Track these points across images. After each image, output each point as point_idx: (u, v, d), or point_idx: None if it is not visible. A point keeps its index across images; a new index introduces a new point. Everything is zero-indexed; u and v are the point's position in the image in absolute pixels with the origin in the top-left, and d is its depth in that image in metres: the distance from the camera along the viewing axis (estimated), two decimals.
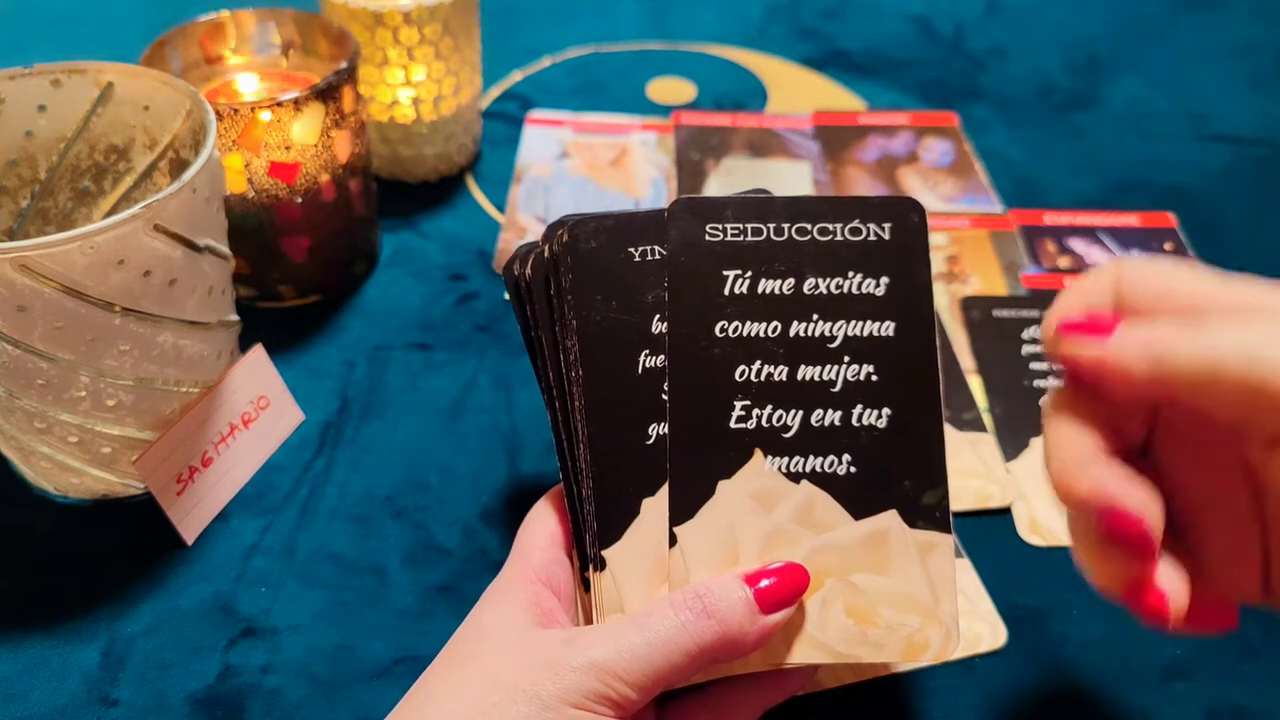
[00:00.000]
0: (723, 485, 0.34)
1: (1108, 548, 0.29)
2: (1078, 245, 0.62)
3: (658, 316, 0.35)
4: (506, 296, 0.57)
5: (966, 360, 0.54)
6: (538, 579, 0.35)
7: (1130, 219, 0.64)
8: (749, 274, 0.35)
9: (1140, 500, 0.28)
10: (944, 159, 0.70)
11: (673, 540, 0.34)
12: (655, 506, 0.34)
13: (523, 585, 0.34)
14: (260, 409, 0.47)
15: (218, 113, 0.48)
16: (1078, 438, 0.29)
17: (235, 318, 0.46)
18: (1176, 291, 0.28)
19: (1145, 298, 0.29)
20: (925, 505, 0.34)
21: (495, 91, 0.76)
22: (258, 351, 0.47)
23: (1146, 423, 0.31)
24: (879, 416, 0.35)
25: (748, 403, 0.35)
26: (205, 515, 0.45)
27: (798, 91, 0.78)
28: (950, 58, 0.82)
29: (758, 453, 0.34)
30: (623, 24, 0.86)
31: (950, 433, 0.50)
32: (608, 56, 0.81)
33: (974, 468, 0.48)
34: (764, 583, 0.32)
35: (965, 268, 0.60)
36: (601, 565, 0.34)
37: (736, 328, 0.35)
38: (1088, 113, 0.76)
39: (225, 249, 0.43)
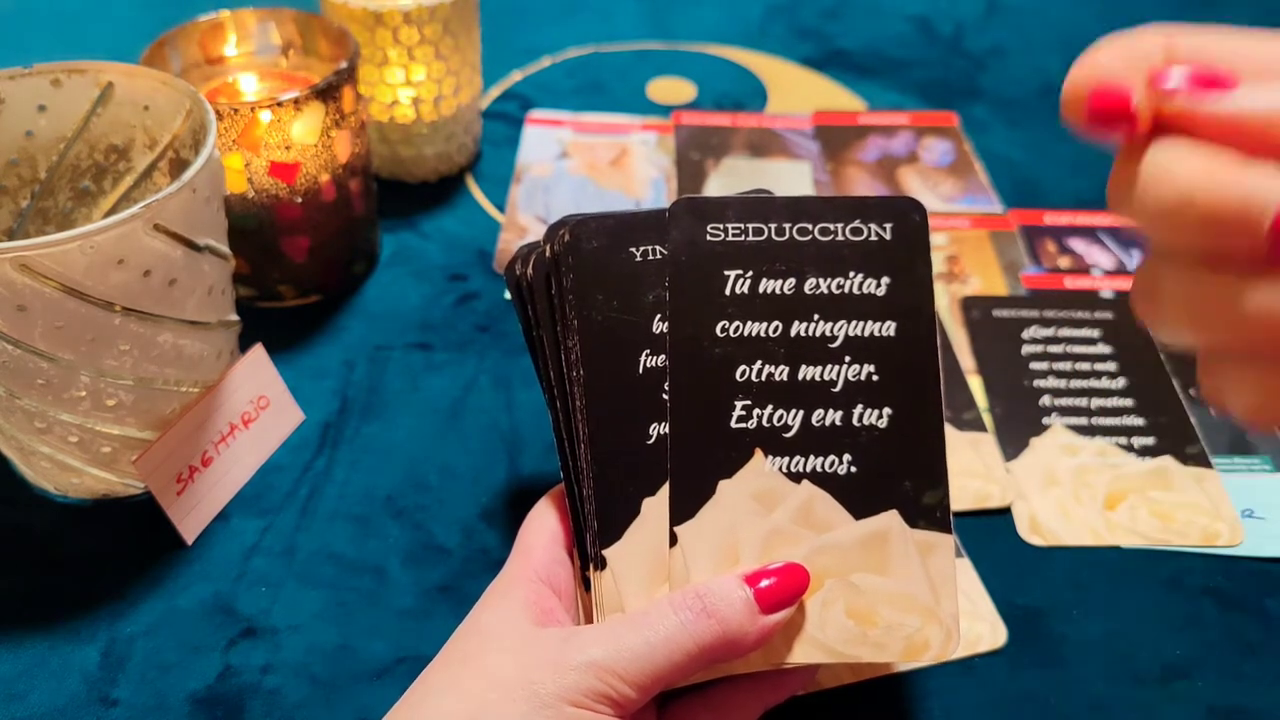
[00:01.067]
0: (723, 485, 0.34)
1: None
2: (1078, 245, 0.62)
3: (659, 316, 0.35)
4: (508, 296, 0.57)
5: (967, 360, 0.54)
6: (538, 578, 0.35)
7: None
8: (750, 274, 0.35)
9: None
10: (944, 159, 0.70)
11: (673, 540, 0.34)
12: (656, 506, 0.34)
13: (523, 584, 0.34)
14: (260, 409, 0.47)
15: (218, 112, 0.48)
16: (1213, 150, 0.23)
17: (235, 318, 0.46)
18: (1252, 55, 0.23)
19: (1212, 61, 0.23)
20: (926, 505, 0.34)
21: (495, 91, 0.76)
22: (258, 351, 0.47)
23: None
24: (880, 416, 0.35)
25: (748, 402, 0.35)
26: (205, 515, 0.45)
27: (798, 92, 0.78)
28: (950, 58, 0.82)
29: (758, 452, 0.34)
30: (622, 24, 0.86)
31: (950, 433, 0.50)
32: (608, 56, 0.81)
33: (974, 468, 0.48)
34: (764, 583, 0.32)
35: (965, 268, 0.60)
36: (602, 564, 0.34)
37: (737, 327, 0.35)
38: None
39: (225, 249, 0.43)
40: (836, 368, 0.35)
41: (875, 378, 0.35)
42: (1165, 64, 0.23)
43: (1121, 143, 0.24)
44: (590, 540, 0.35)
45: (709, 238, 0.36)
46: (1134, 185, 0.24)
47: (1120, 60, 0.24)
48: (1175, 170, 0.23)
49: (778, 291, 0.35)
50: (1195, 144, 0.23)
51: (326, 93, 0.50)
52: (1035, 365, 0.53)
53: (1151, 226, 0.24)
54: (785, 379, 0.35)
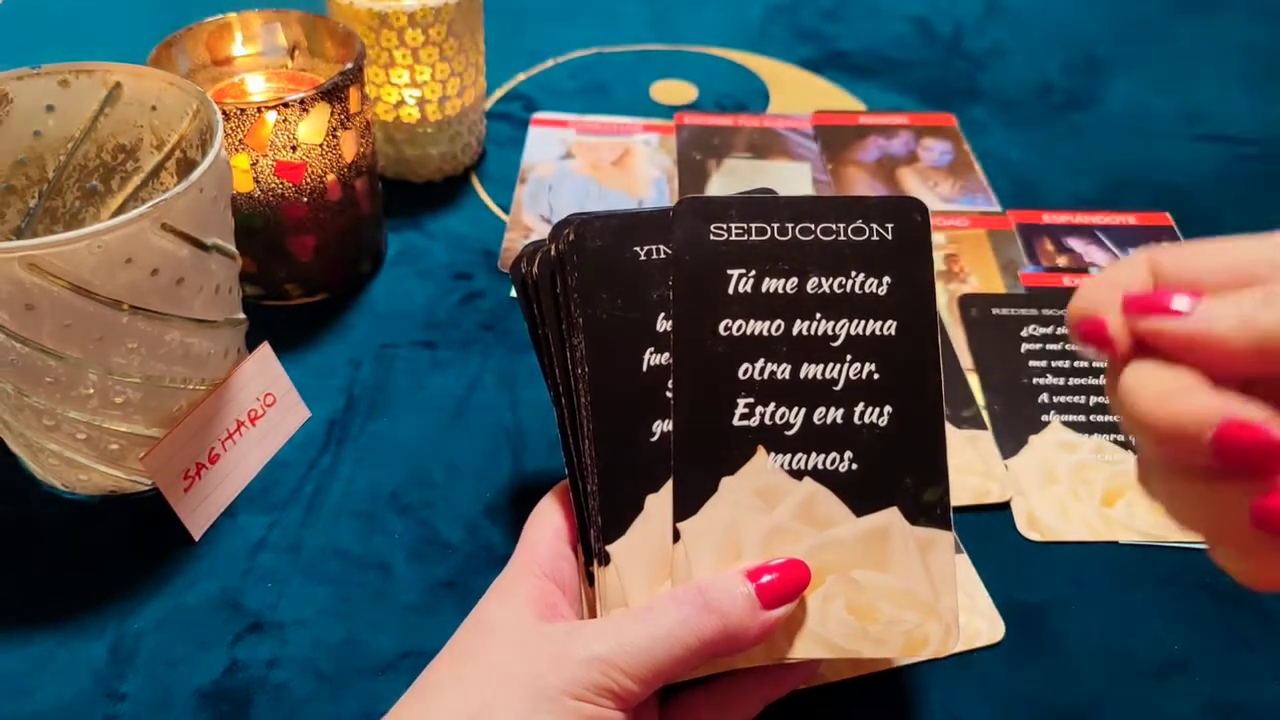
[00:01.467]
0: (726, 482, 0.35)
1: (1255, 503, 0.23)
2: (1076, 244, 0.62)
3: (663, 314, 0.36)
4: (513, 294, 0.57)
5: (965, 358, 0.54)
6: (543, 573, 0.35)
7: (1127, 218, 0.65)
8: (753, 273, 0.36)
9: (1264, 414, 0.23)
10: (943, 159, 0.70)
11: (676, 536, 0.34)
12: (659, 502, 0.35)
13: (527, 579, 0.35)
14: (267, 406, 0.48)
15: (224, 113, 0.48)
16: (1171, 372, 0.24)
17: (242, 316, 0.46)
18: (1226, 267, 0.25)
19: (1189, 277, 0.25)
20: (926, 502, 0.35)
21: (499, 92, 0.76)
22: (264, 349, 0.47)
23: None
24: (880, 414, 0.35)
25: (751, 400, 0.35)
26: (212, 511, 0.45)
27: (799, 93, 0.78)
28: (949, 58, 0.83)
29: (761, 450, 0.35)
30: (625, 26, 0.86)
31: (949, 430, 0.50)
32: (611, 58, 0.82)
33: (973, 464, 0.49)
34: (766, 578, 0.33)
35: (964, 266, 0.61)
36: (605, 560, 0.35)
37: (740, 326, 0.35)
38: (1085, 113, 0.76)
39: (232, 248, 0.43)
40: (838, 366, 0.35)
41: (876, 376, 0.35)
42: (1139, 289, 0.25)
43: (1110, 360, 0.26)
44: (594, 536, 0.35)
45: (712, 237, 0.36)
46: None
47: (1105, 290, 0.26)
48: (1136, 394, 0.25)
49: (780, 290, 0.36)
50: (1158, 365, 0.25)
51: (332, 93, 0.51)
52: (1034, 363, 0.54)
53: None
54: (787, 377, 0.35)
